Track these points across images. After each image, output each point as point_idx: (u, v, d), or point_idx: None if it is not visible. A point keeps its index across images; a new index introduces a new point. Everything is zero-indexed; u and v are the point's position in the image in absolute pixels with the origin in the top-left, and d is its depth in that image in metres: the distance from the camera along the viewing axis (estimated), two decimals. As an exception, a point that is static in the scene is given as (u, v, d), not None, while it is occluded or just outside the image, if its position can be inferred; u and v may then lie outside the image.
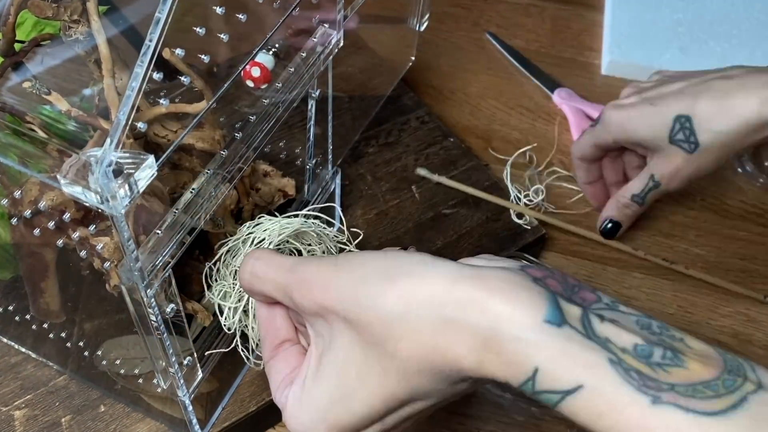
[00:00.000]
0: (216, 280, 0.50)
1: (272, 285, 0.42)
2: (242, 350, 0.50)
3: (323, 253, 0.51)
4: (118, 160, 0.36)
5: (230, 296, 0.49)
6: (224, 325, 0.49)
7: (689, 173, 0.62)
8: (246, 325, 0.49)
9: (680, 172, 0.62)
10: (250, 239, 0.49)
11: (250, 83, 0.49)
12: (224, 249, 0.50)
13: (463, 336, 0.34)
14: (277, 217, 0.50)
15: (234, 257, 0.49)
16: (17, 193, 0.48)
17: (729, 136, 0.59)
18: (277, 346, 0.44)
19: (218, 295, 0.49)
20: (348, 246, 0.52)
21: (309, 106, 0.55)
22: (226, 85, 0.44)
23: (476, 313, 0.34)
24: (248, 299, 0.48)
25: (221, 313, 0.49)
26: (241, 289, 0.47)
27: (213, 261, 0.50)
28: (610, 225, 0.68)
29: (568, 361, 0.33)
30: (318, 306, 0.39)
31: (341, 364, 0.38)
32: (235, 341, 0.50)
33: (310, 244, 0.51)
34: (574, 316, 0.34)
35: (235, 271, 0.49)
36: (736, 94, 0.58)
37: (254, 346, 0.49)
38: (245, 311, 0.48)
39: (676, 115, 0.60)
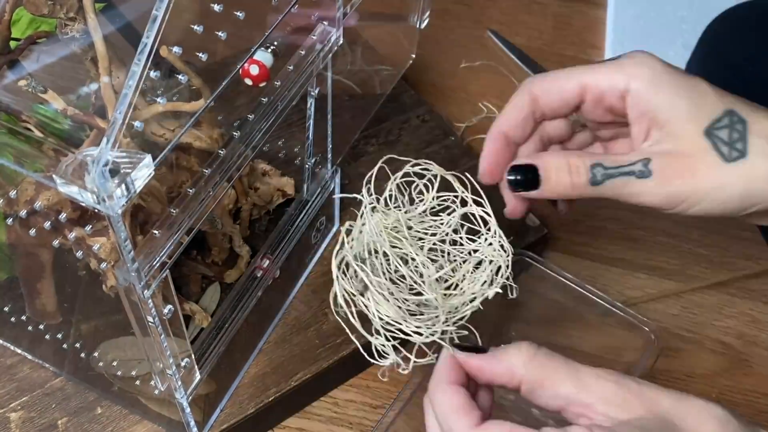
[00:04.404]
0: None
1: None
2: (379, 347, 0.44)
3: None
4: (115, 159, 0.35)
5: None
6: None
7: (702, 189, 0.44)
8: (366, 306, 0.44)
9: (693, 181, 0.43)
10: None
11: (248, 81, 0.48)
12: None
13: None
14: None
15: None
16: (13, 193, 0.48)
17: None
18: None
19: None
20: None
21: (308, 105, 0.55)
22: (224, 84, 0.43)
23: None
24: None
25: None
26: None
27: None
28: (529, 176, 0.45)
29: None
30: None
31: None
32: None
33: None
34: None
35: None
36: None
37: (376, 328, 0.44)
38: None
39: (729, 109, 0.43)
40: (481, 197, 0.46)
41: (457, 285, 0.46)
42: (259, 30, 0.46)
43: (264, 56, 0.48)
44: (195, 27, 0.41)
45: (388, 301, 0.43)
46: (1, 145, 0.39)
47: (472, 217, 0.47)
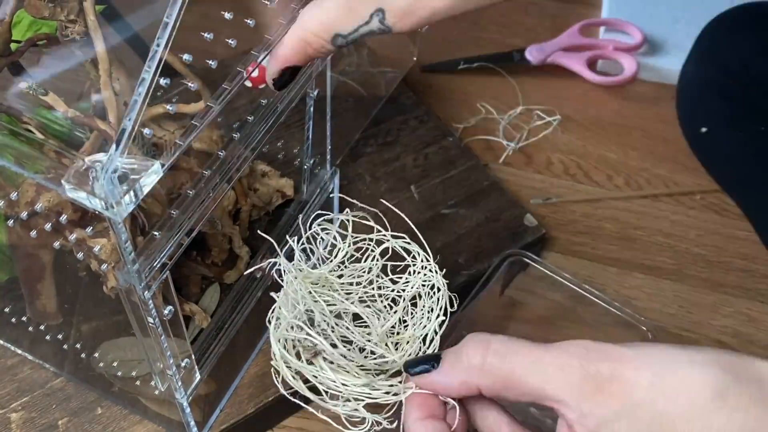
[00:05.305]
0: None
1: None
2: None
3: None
4: (124, 166, 0.35)
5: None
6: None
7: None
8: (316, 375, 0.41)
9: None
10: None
11: (248, 83, 0.48)
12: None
13: None
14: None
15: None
16: (14, 195, 0.48)
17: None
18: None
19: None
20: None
21: (307, 106, 0.55)
22: (228, 89, 0.43)
23: None
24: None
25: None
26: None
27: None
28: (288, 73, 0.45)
29: None
30: None
31: None
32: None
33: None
34: None
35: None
36: None
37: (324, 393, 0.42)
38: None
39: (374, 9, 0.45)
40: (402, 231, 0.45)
41: (403, 322, 0.44)
42: (261, 33, 0.46)
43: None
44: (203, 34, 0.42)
45: (347, 369, 0.41)
46: (2, 147, 0.39)
47: (395, 251, 0.45)
